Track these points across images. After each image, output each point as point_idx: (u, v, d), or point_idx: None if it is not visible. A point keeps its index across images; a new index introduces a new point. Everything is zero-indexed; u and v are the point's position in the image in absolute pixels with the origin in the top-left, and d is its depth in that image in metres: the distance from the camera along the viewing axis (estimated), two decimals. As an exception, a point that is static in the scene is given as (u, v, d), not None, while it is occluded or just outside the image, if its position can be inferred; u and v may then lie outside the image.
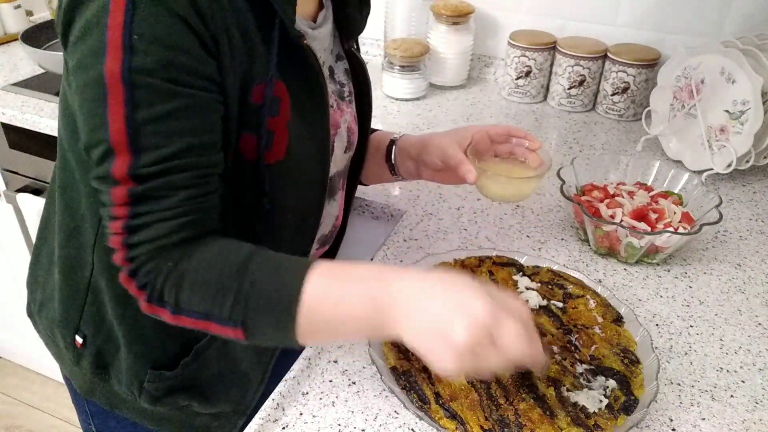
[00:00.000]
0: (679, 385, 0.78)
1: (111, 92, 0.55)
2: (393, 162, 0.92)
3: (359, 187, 0.96)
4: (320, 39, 0.75)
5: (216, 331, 0.61)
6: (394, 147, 0.91)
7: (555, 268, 0.91)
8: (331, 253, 0.95)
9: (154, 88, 0.56)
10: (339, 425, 0.71)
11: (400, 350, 0.76)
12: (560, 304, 0.84)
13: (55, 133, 1.40)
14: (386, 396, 0.75)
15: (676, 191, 1.05)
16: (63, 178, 0.75)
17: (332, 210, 0.86)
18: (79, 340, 0.79)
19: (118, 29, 0.54)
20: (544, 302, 0.84)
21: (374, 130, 0.97)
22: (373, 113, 1.46)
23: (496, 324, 0.54)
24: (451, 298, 0.56)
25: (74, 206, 0.74)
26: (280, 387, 0.76)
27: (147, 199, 0.58)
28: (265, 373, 0.84)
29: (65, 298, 0.79)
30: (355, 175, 0.92)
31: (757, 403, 0.76)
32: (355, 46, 0.84)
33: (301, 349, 0.78)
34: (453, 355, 0.54)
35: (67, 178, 0.74)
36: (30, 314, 0.90)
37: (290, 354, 0.98)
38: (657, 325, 0.87)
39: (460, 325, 0.54)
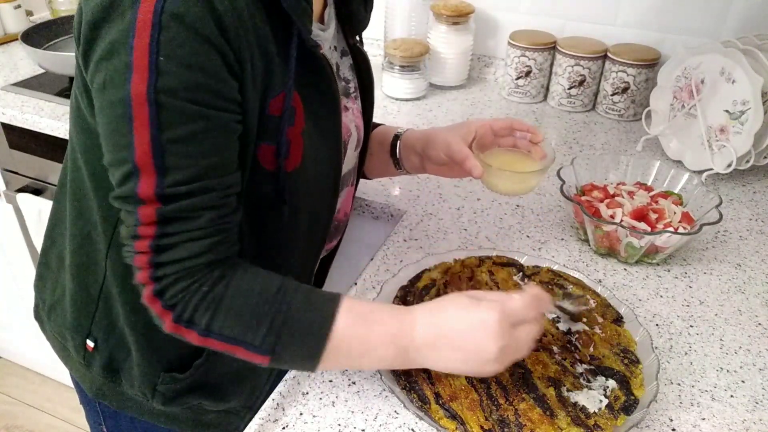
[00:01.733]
0: (679, 385, 0.78)
1: (137, 112, 0.56)
2: (398, 157, 0.93)
3: (359, 186, 0.96)
4: (328, 39, 0.76)
5: (242, 355, 0.63)
6: (398, 142, 0.93)
7: (555, 268, 0.91)
8: (336, 248, 0.96)
9: (180, 110, 0.56)
10: (339, 425, 0.71)
11: (400, 350, 0.76)
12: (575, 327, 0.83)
13: (55, 133, 1.40)
14: (386, 396, 0.75)
15: (676, 191, 1.05)
16: (75, 186, 0.75)
17: (337, 206, 0.87)
18: (90, 344, 0.80)
19: (145, 50, 0.54)
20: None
21: (377, 125, 0.97)
22: (374, 113, 1.48)
23: (507, 312, 0.63)
24: (465, 323, 0.63)
25: (87, 214, 0.74)
26: (280, 387, 0.76)
27: (176, 219, 0.59)
28: (272, 370, 0.85)
29: (77, 303, 0.79)
30: (360, 168, 0.93)
31: (757, 403, 0.76)
32: (359, 41, 0.85)
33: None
34: (494, 364, 0.63)
35: (79, 186, 0.74)
36: (37, 317, 0.90)
37: None
38: (657, 325, 0.87)
39: (487, 339, 0.62)
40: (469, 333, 0.63)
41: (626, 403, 0.70)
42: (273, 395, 0.75)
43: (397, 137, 0.93)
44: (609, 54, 1.44)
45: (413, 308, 0.67)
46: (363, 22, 0.82)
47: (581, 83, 1.48)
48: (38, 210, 1.52)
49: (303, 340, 0.63)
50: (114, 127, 0.58)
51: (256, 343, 0.62)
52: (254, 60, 0.60)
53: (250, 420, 0.84)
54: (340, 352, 0.64)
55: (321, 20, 0.75)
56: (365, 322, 0.65)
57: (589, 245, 1.02)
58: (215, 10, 0.56)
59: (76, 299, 0.79)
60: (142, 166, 0.57)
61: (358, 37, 0.85)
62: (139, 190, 0.58)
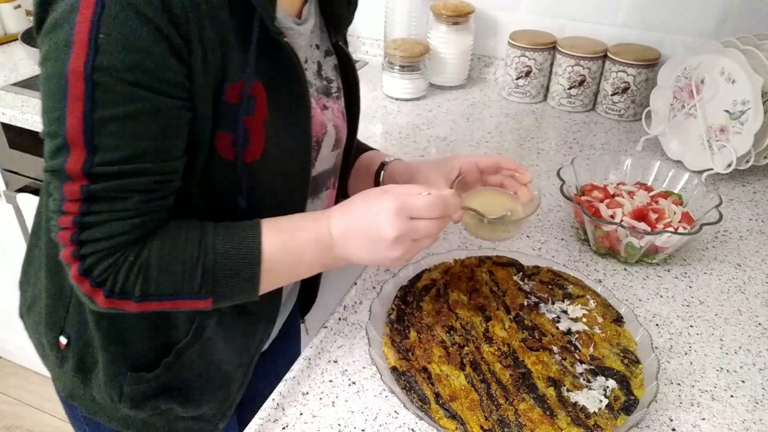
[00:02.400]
0: (679, 385, 0.78)
1: (72, 87, 0.55)
2: (380, 185, 0.91)
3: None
4: (305, 35, 0.74)
5: (185, 306, 0.65)
6: (382, 171, 0.91)
7: (555, 268, 0.91)
8: None
9: (115, 89, 0.56)
10: (339, 425, 0.71)
11: (400, 350, 0.76)
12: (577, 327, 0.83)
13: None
14: (386, 396, 0.75)
15: (676, 191, 1.05)
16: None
17: (317, 208, 0.84)
18: (63, 341, 0.79)
19: (86, 27, 0.54)
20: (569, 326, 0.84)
21: (370, 148, 0.96)
22: (374, 113, 1.48)
23: (405, 205, 0.66)
24: (369, 211, 0.67)
25: None
26: (280, 387, 0.76)
27: (102, 198, 0.59)
28: (246, 374, 0.83)
29: (52, 299, 0.79)
30: (344, 172, 0.91)
31: (757, 403, 0.76)
32: (343, 41, 0.84)
33: (295, 354, 0.78)
34: (394, 250, 0.67)
35: None
36: (20, 314, 0.90)
37: (269, 355, 0.97)
38: (657, 325, 0.87)
39: (383, 226, 0.65)
40: (369, 220, 0.67)
41: (626, 403, 0.70)
42: (273, 395, 0.75)
43: (382, 166, 0.91)
44: (609, 54, 1.44)
45: (331, 208, 0.71)
46: (345, 21, 0.81)
47: (581, 83, 1.48)
48: (38, 210, 1.52)
49: (238, 272, 0.65)
50: (50, 101, 0.57)
51: (195, 290, 0.64)
52: (206, 44, 0.59)
53: (223, 428, 0.83)
54: (275, 270, 0.67)
55: (299, 15, 0.74)
56: (289, 235, 0.68)
57: (589, 245, 1.02)
58: None
59: (51, 294, 0.78)
60: (72, 142, 0.57)
61: (342, 39, 0.84)
62: (67, 165, 0.57)
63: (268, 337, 0.82)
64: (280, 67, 0.67)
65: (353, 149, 0.90)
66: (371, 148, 0.97)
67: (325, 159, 0.81)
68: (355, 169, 0.94)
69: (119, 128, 0.57)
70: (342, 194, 0.95)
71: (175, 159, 0.62)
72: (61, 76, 0.55)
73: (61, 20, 0.55)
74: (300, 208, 0.77)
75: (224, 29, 0.60)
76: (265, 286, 0.68)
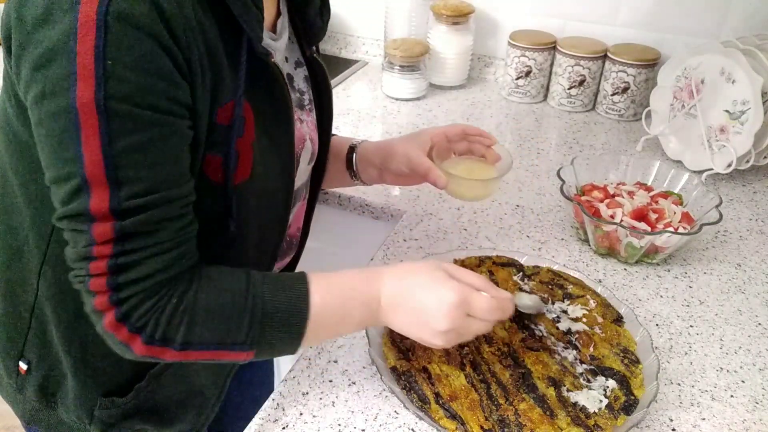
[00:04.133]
0: (679, 385, 0.78)
1: (84, 122, 0.52)
2: (355, 169, 0.91)
3: (358, 186, 0.96)
4: (280, 50, 0.73)
5: (226, 358, 0.62)
6: (354, 154, 0.91)
7: (555, 268, 0.91)
8: (291, 266, 0.91)
9: (133, 116, 0.53)
10: (339, 425, 0.71)
11: (400, 350, 0.76)
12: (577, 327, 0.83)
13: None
14: (386, 396, 0.75)
15: (676, 191, 1.05)
16: (4, 199, 0.69)
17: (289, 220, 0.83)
18: (23, 366, 0.75)
19: (89, 55, 0.50)
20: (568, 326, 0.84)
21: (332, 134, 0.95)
22: (374, 113, 1.48)
23: (467, 302, 0.65)
24: (427, 294, 0.66)
25: (17, 228, 0.69)
26: (280, 387, 0.76)
27: (136, 234, 0.55)
28: (221, 391, 0.82)
29: (8, 324, 0.74)
30: (316, 183, 0.89)
31: (757, 403, 0.76)
32: (316, 52, 0.82)
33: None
34: (439, 339, 0.66)
35: (7, 200, 0.69)
36: None
37: (240, 370, 0.94)
38: (657, 325, 0.87)
39: (438, 314, 0.64)
40: (426, 304, 0.65)
41: (626, 403, 0.70)
42: (273, 395, 0.75)
43: (352, 149, 0.91)
44: (609, 54, 1.44)
45: (383, 270, 0.69)
46: (319, 32, 0.78)
47: (581, 83, 1.48)
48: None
49: (286, 325, 0.62)
50: (57, 140, 0.53)
51: (239, 341, 0.61)
52: (203, 65, 0.57)
53: None
54: (320, 327, 0.65)
55: (273, 30, 0.72)
56: (338, 292, 0.66)
57: (589, 245, 1.02)
58: (163, 10, 0.52)
59: (7, 319, 0.74)
60: (93, 180, 0.53)
61: (315, 50, 0.82)
62: (92, 206, 0.53)
63: None
64: (265, 86, 0.66)
65: (327, 159, 0.88)
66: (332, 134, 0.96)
67: (302, 173, 0.80)
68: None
69: (140, 157, 0.54)
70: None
71: (190, 181, 0.60)
72: (69, 112, 0.51)
73: (58, 50, 0.51)
74: (282, 225, 0.76)
75: (215, 51, 0.59)
76: (307, 341, 0.65)
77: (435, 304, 0.65)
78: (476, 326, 0.67)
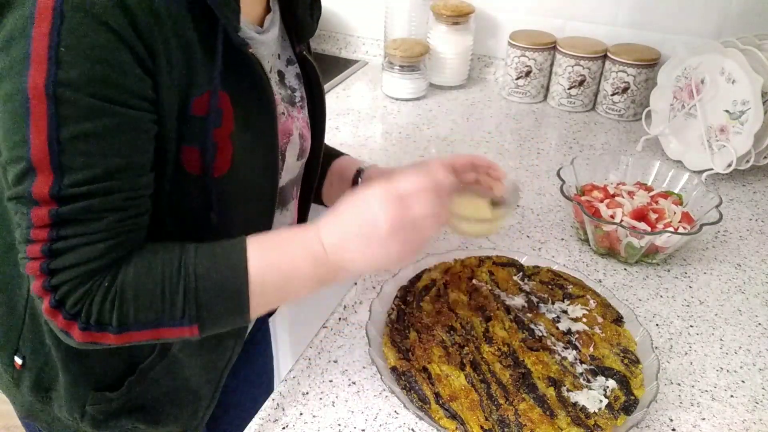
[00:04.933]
0: (679, 385, 0.78)
1: (34, 106, 0.52)
2: None
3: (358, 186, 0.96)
4: (267, 44, 0.72)
5: (169, 335, 0.61)
6: (359, 179, 0.88)
7: (555, 268, 0.91)
8: None
9: (81, 105, 0.52)
10: (339, 425, 0.71)
11: (400, 350, 0.76)
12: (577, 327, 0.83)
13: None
14: (386, 396, 0.75)
15: (676, 191, 1.05)
16: None
17: (285, 220, 0.82)
18: (18, 361, 0.75)
19: (44, 40, 0.51)
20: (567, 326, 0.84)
21: (341, 154, 0.95)
22: (374, 113, 1.48)
23: (394, 189, 0.62)
24: (357, 208, 0.63)
25: (9, 223, 0.68)
26: (280, 387, 0.76)
27: (72, 221, 0.55)
28: (215, 391, 0.81)
29: (3, 318, 0.75)
30: (309, 182, 0.88)
31: (757, 403, 0.76)
32: (307, 50, 0.81)
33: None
34: (392, 240, 0.61)
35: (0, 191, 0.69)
36: None
37: (239, 370, 0.95)
38: (657, 325, 0.87)
39: (376, 218, 0.61)
40: (358, 216, 0.63)
41: (626, 403, 0.70)
42: (273, 395, 0.75)
43: (359, 173, 0.89)
44: (609, 54, 1.44)
45: (317, 220, 0.66)
46: (309, 30, 0.78)
47: (581, 83, 1.48)
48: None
49: (224, 295, 0.60)
50: (9, 123, 0.53)
51: (177, 316, 0.59)
52: (171, 56, 0.57)
53: None
54: (265, 289, 0.62)
55: (261, 24, 0.72)
56: (277, 250, 0.64)
57: (589, 245, 1.02)
58: (125, 2, 0.52)
59: (3, 313, 0.74)
60: (38, 165, 0.53)
61: (306, 48, 0.81)
62: (34, 190, 0.54)
63: (237, 353, 0.79)
64: (245, 77, 0.65)
65: (321, 158, 0.87)
66: (342, 153, 0.95)
67: (291, 169, 0.79)
68: (328, 177, 0.91)
69: (87, 146, 0.54)
70: (317, 201, 0.92)
71: (145, 175, 0.59)
72: (21, 95, 0.52)
73: (16, 35, 0.52)
74: (269, 220, 0.74)
75: (188, 41, 0.58)
76: (256, 307, 0.63)
77: (367, 210, 0.62)
78: (418, 203, 0.62)
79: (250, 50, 0.63)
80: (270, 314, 1.02)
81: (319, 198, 0.93)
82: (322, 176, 0.91)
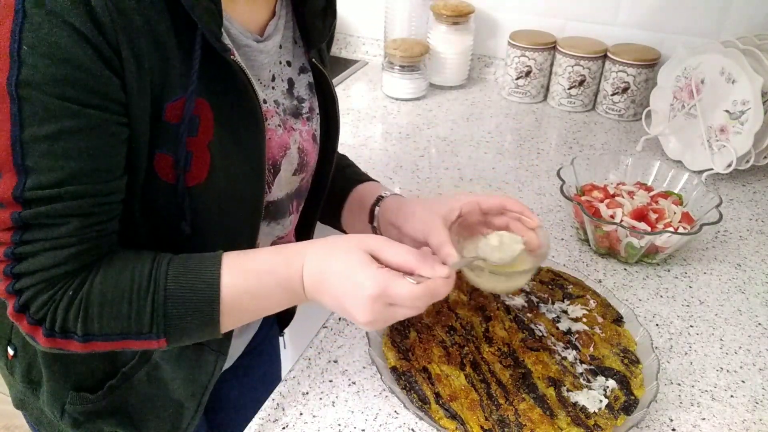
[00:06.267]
0: (679, 385, 0.78)
1: None
2: (376, 225, 0.83)
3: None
4: (268, 51, 0.69)
5: (136, 346, 0.60)
6: (377, 208, 0.82)
7: (555, 268, 0.91)
8: None
9: (44, 105, 0.51)
10: (339, 425, 0.71)
11: (400, 350, 0.76)
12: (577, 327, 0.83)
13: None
14: (386, 396, 0.75)
15: (676, 191, 1.05)
16: None
17: (275, 232, 0.79)
18: (10, 351, 0.76)
19: (5, 39, 0.50)
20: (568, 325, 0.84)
21: (369, 179, 0.89)
22: (374, 113, 1.48)
23: (386, 293, 0.59)
24: (344, 282, 0.61)
25: None
26: (280, 387, 0.76)
27: (36, 225, 0.54)
28: (199, 406, 0.78)
29: None
30: (316, 198, 0.85)
31: (757, 403, 0.76)
32: (318, 58, 0.77)
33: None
34: (367, 326, 0.62)
35: None
36: None
37: (225, 385, 0.93)
38: (657, 325, 0.87)
39: (357, 307, 0.60)
40: (346, 294, 0.61)
41: (626, 403, 0.70)
42: (273, 395, 0.75)
43: (377, 202, 0.82)
44: (609, 54, 1.44)
45: (305, 250, 0.64)
46: (319, 36, 0.75)
47: (581, 83, 1.48)
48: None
49: (194, 311, 0.59)
50: None
51: (144, 330, 0.58)
52: (141, 58, 0.55)
53: None
54: (237, 309, 0.62)
55: (262, 31, 0.69)
56: (255, 278, 0.62)
57: (589, 245, 1.02)
58: (89, 2, 0.51)
59: None
60: (1, 166, 0.52)
61: (319, 56, 0.78)
62: None
63: (220, 370, 0.75)
64: (229, 85, 0.62)
65: (330, 174, 0.83)
66: (370, 179, 0.89)
67: (286, 183, 0.75)
68: (349, 202, 0.86)
69: (51, 148, 0.52)
70: (336, 227, 0.89)
71: (114, 179, 0.57)
72: None
73: None
74: (252, 233, 0.72)
75: (163, 44, 0.56)
76: (227, 324, 0.62)
77: (352, 297, 0.60)
78: (402, 313, 0.61)
79: (233, 57, 0.60)
80: (283, 325, 1.01)
81: (338, 222, 0.89)
82: (342, 201, 0.86)
